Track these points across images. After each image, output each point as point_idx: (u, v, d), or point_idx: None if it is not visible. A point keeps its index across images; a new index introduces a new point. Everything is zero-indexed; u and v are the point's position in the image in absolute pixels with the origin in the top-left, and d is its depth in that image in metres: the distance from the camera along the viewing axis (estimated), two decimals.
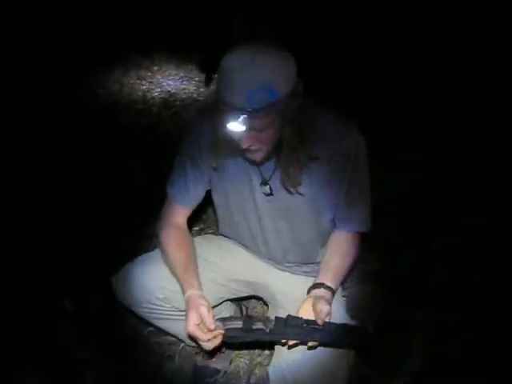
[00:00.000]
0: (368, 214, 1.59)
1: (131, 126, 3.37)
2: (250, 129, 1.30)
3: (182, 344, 2.01)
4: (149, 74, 4.22)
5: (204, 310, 1.49)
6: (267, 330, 1.47)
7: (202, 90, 3.94)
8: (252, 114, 1.27)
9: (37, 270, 2.22)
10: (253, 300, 2.15)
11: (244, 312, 2.09)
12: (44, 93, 2.70)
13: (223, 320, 1.53)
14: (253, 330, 1.49)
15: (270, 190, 1.54)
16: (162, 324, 1.78)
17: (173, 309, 1.68)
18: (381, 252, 2.24)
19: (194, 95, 3.92)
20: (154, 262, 1.68)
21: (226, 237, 1.80)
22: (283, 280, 1.74)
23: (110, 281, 1.71)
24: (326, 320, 1.45)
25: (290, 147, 1.41)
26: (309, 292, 1.54)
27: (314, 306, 1.47)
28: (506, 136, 2.35)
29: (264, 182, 1.54)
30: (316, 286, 1.54)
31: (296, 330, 1.46)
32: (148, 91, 3.97)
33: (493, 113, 2.34)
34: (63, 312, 2.08)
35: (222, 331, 1.50)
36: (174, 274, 1.61)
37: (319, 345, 1.48)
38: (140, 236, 2.46)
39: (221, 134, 1.39)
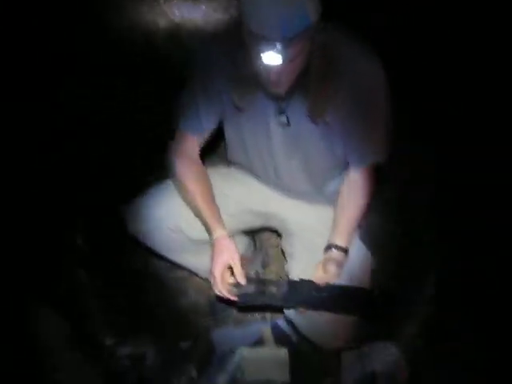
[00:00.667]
0: (385, 145, 1.58)
1: (137, 59, 3.13)
2: (282, 60, 1.22)
3: (197, 278, 2.03)
4: (154, 2, 4.01)
5: (237, 263, 1.55)
6: (279, 296, 1.53)
7: (209, 18, 3.75)
8: (287, 43, 1.19)
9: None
10: (266, 232, 2.16)
11: (257, 245, 2.11)
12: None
13: (236, 284, 1.56)
14: (265, 294, 1.54)
15: (287, 120, 1.52)
16: (175, 256, 1.81)
17: (185, 239, 1.71)
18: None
19: (201, 24, 3.72)
20: (165, 193, 1.70)
21: (237, 168, 1.80)
22: (296, 209, 1.78)
23: (120, 214, 1.72)
24: (336, 282, 1.53)
25: (317, 76, 1.39)
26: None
27: (323, 268, 1.55)
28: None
29: (281, 112, 1.51)
30: (328, 247, 1.59)
31: (307, 298, 1.51)
32: (153, 21, 3.77)
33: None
34: (74, 249, 2.09)
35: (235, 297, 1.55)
36: (194, 207, 1.63)
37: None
38: None
39: (243, 68, 1.37)
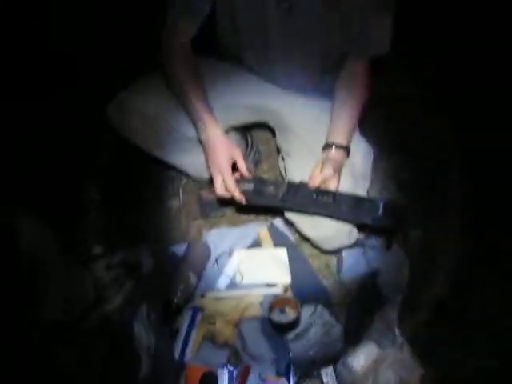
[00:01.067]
0: (389, 37, 1.47)
1: None
2: None
3: (185, 179, 1.96)
4: None
5: (241, 159, 1.49)
6: (278, 197, 1.44)
7: None
8: None
9: None
10: (258, 129, 2.04)
11: (249, 142, 2.00)
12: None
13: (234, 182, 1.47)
14: (264, 194, 1.45)
15: (290, 7, 1.41)
16: (164, 154, 1.72)
17: (175, 136, 1.63)
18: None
19: None
20: (152, 87, 1.60)
21: (229, 60, 1.69)
22: (291, 103, 1.69)
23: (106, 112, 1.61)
24: (332, 187, 1.44)
25: None
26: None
27: (322, 168, 1.46)
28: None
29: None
30: (327, 146, 1.51)
31: (306, 200, 1.43)
32: None
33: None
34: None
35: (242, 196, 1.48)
36: (186, 102, 1.53)
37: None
38: None
39: None
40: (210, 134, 1.50)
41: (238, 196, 1.47)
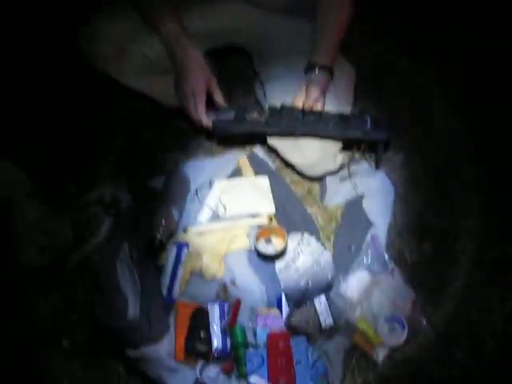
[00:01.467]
0: None
1: None
2: None
3: (158, 110, 1.84)
4: None
5: (216, 85, 1.44)
6: (262, 121, 1.39)
7: None
8: None
9: None
10: (231, 54, 1.90)
11: (223, 67, 1.91)
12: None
13: (214, 111, 1.42)
14: (246, 121, 1.40)
15: None
16: (133, 82, 1.63)
17: (148, 63, 1.55)
18: None
19: None
20: (119, 13, 1.51)
21: None
22: (271, 25, 1.60)
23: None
24: (318, 107, 1.41)
25: None
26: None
27: (306, 90, 1.42)
28: None
29: None
30: (310, 67, 1.44)
31: (292, 122, 1.38)
32: None
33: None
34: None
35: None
36: (163, 23, 1.44)
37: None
38: None
39: None
40: (189, 55, 1.42)
41: (205, 123, 1.42)
